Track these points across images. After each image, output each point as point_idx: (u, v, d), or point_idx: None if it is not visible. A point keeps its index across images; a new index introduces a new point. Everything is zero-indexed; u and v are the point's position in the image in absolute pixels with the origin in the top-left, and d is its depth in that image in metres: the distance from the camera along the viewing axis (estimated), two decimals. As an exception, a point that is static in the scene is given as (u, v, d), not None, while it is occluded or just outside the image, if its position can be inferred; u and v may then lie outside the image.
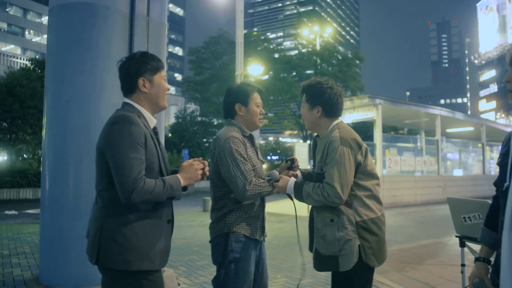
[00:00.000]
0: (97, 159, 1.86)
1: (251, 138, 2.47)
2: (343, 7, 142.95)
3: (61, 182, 3.98)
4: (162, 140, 4.21)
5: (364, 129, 32.36)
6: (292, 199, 2.42)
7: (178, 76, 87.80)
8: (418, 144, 19.48)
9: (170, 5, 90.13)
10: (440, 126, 17.78)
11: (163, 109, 2.13)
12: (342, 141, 2.23)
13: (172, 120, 41.79)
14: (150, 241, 1.84)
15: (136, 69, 1.95)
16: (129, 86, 1.97)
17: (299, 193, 2.28)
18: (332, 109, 2.38)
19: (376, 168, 14.22)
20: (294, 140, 46.83)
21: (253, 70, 16.21)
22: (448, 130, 21.34)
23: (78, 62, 4.02)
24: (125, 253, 1.77)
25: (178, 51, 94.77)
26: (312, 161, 2.61)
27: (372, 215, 2.24)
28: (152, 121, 1.99)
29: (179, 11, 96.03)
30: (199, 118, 37.53)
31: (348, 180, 2.18)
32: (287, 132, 51.95)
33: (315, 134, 2.56)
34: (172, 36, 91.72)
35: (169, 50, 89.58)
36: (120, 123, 1.80)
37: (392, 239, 7.69)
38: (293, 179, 2.37)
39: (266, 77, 31.23)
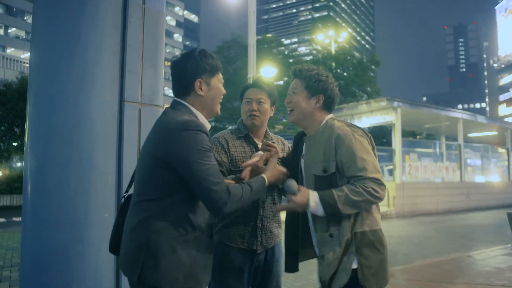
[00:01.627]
0: (150, 166, 1.67)
1: None
2: (358, 12, 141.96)
3: (44, 191, 3.50)
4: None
5: (381, 134, 31.59)
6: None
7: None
8: (438, 149, 18.73)
9: (185, 12, 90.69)
10: (462, 131, 17.02)
11: (216, 115, 1.93)
12: (354, 131, 1.93)
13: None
14: (197, 257, 1.69)
15: (194, 68, 1.77)
16: (184, 87, 1.80)
17: (330, 203, 1.78)
18: (333, 102, 2.08)
19: (396, 174, 13.72)
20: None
21: (266, 73, 15.73)
22: (470, 135, 20.54)
23: (65, 54, 3.55)
24: (174, 270, 1.62)
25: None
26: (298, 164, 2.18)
27: (375, 226, 1.89)
28: (207, 126, 1.79)
29: (193, 17, 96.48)
30: (212, 124, 37.21)
31: (376, 163, 1.88)
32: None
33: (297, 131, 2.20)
34: (187, 43, 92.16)
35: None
36: (192, 129, 1.64)
37: (416, 251, 7.10)
38: (313, 192, 1.85)
39: (281, 82, 30.80)
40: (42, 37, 3.65)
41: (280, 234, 2.36)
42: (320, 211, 1.81)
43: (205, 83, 1.79)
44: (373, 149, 1.95)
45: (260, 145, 2.34)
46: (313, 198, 1.82)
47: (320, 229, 1.91)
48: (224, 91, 1.89)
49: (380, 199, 1.79)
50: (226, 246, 2.24)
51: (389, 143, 20.06)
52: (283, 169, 1.98)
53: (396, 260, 6.27)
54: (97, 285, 3.22)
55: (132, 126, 3.53)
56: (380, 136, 31.33)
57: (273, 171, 1.89)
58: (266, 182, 1.82)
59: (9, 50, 44.38)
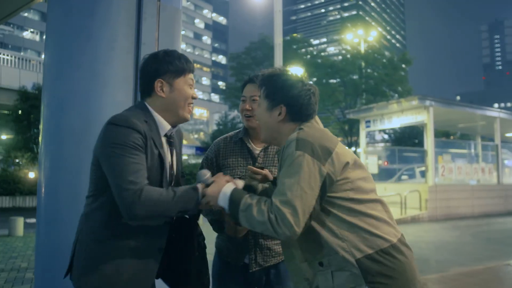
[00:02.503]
0: (91, 162, 1.66)
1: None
2: (388, 10, 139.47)
3: (56, 193, 3.41)
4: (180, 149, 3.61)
5: (412, 135, 30.77)
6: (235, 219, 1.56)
7: (222, 85, 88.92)
8: (473, 150, 18.00)
9: (213, 15, 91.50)
10: (500, 130, 16.28)
11: (184, 121, 1.79)
12: (299, 144, 1.49)
13: (215, 128, 41.95)
14: (124, 270, 1.57)
15: (154, 68, 1.69)
16: (145, 88, 1.73)
17: (235, 202, 1.50)
18: (301, 111, 1.65)
19: (429, 176, 13.22)
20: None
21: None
22: (508, 135, 19.64)
23: (76, 53, 3.45)
24: (92, 277, 1.55)
25: (222, 59, 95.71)
26: None
27: (383, 244, 1.49)
28: (164, 128, 1.70)
29: (222, 20, 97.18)
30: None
31: (307, 202, 1.43)
32: (331, 139, 50.53)
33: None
34: (216, 45, 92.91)
35: (213, 58, 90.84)
36: (116, 123, 1.55)
37: (450, 259, 6.71)
38: (230, 185, 1.58)
39: (310, 83, 30.39)
40: (55, 36, 3.58)
41: None
42: (224, 204, 1.54)
43: (167, 84, 1.68)
44: (329, 155, 1.52)
45: (258, 151, 2.09)
46: (225, 190, 1.55)
47: (305, 256, 1.56)
48: (191, 94, 1.73)
49: (280, 233, 1.40)
50: (221, 256, 2.10)
51: (421, 143, 19.44)
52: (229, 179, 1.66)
53: (428, 267, 5.93)
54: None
55: (147, 127, 3.38)
56: (411, 136, 30.52)
57: (217, 183, 1.58)
58: (199, 192, 1.56)
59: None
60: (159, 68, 1.68)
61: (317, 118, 1.71)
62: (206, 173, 1.63)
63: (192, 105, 1.77)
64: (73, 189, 3.35)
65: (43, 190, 3.47)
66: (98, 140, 1.61)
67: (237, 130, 2.20)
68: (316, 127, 1.64)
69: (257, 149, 2.09)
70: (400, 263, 1.49)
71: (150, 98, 1.71)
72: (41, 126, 3.57)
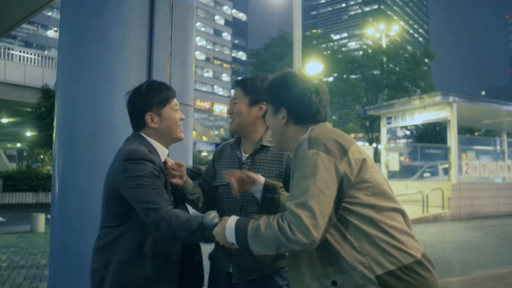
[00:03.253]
0: (109, 196, 1.78)
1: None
2: (410, 4, 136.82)
3: (70, 193, 3.41)
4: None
5: (435, 132, 30.14)
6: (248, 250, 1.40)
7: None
8: (498, 146, 17.48)
9: (233, 11, 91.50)
10: (527, 127, 15.77)
11: (179, 140, 1.98)
12: (312, 142, 1.37)
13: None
14: (151, 283, 1.74)
15: (142, 104, 1.83)
16: (137, 122, 1.87)
17: (242, 231, 1.37)
18: (301, 112, 1.56)
19: (452, 173, 12.89)
20: (360, 143, 45.16)
21: (311, 69, 15.32)
22: (535, 131, 19.02)
23: (87, 53, 3.42)
24: None
25: (242, 55, 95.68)
26: None
27: (407, 259, 1.33)
28: (163, 154, 1.89)
29: (242, 16, 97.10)
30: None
31: (326, 204, 1.27)
32: (352, 135, 50.22)
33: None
34: (236, 41, 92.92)
35: (233, 55, 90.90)
36: (133, 159, 1.70)
37: (474, 260, 6.50)
38: (234, 217, 1.45)
39: (331, 79, 30.13)
40: (68, 36, 3.56)
41: (280, 262, 1.85)
42: (232, 239, 1.41)
43: (156, 115, 1.83)
44: (345, 153, 1.39)
45: (245, 157, 1.98)
46: (230, 223, 1.43)
47: (316, 274, 1.39)
48: (178, 117, 1.88)
49: (298, 243, 1.24)
50: (211, 263, 2.03)
51: (444, 140, 19.01)
52: None
53: (451, 269, 5.76)
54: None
55: (160, 127, 3.34)
56: (434, 133, 29.91)
57: (222, 221, 1.53)
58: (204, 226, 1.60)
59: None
60: (146, 103, 1.82)
61: (327, 124, 1.60)
62: (211, 213, 1.61)
63: (181, 125, 1.93)
64: (85, 191, 3.35)
65: (56, 191, 3.48)
66: (116, 175, 1.72)
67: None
68: (329, 127, 1.54)
69: (244, 155, 1.99)
70: (425, 281, 1.34)
71: (145, 129, 1.85)
72: (54, 127, 3.57)
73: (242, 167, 1.93)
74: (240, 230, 1.38)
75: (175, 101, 1.89)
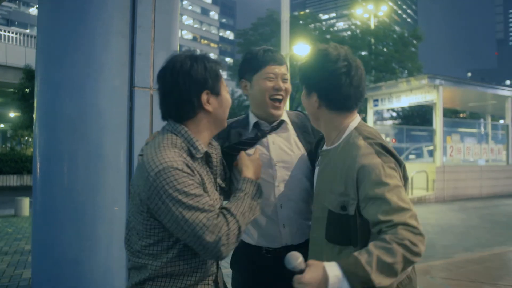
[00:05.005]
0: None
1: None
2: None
3: (50, 183, 3.33)
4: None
5: (422, 113, 30.37)
6: None
7: (230, 61, 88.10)
8: (482, 129, 17.71)
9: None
10: (511, 110, 15.96)
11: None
12: (385, 162, 1.35)
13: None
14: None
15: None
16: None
17: (359, 274, 1.18)
18: (332, 96, 1.48)
19: (437, 156, 13.04)
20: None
21: (299, 50, 15.20)
22: (519, 114, 19.26)
23: (70, 37, 3.30)
24: None
25: (229, 35, 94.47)
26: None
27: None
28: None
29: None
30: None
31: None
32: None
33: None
34: (223, 21, 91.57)
35: (220, 34, 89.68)
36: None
37: (456, 243, 6.63)
38: (330, 266, 1.22)
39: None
40: (47, 18, 3.44)
41: None
42: (344, 286, 1.20)
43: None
44: (405, 183, 1.42)
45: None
46: (333, 272, 1.20)
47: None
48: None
49: (419, 256, 1.20)
50: None
51: (429, 122, 19.19)
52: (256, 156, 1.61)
53: (434, 252, 5.86)
54: (107, 284, 3.04)
55: (144, 113, 3.26)
56: (420, 115, 30.13)
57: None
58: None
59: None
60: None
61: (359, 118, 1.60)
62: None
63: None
64: (68, 179, 3.28)
65: (37, 180, 3.40)
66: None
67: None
68: (370, 129, 1.54)
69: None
70: None
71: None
72: (34, 114, 3.47)
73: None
74: (355, 274, 1.18)
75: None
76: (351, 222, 1.36)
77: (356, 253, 1.21)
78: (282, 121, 1.87)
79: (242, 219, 1.35)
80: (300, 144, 1.86)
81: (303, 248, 1.59)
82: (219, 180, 1.57)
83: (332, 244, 1.43)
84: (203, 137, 1.45)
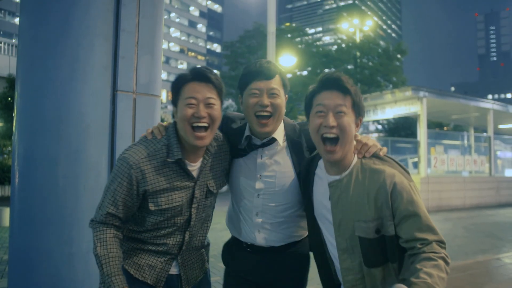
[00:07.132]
0: None
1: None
2: (384, 0, 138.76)
3: (30, 187, 3.26)
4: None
5: (406, 125, 30.73)
6: None
7: (217, 73, 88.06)
8: (466, 141, 17.98)
9: (209, 2, 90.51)
10: (493, 122, 16.25)
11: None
12: (409, 180, 1.55)
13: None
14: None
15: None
16: None
17: None
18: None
19: (421, 167, 13.16)
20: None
21: (285, 61, 15.32)
22: (501, 126, 19.64)
23: (50, 39, 3.26)
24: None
25: (217, 48, 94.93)
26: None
27: None
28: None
29: (217, 7, 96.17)
30: (236, 113, 36.92)
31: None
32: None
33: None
34: (211, 33, 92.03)
35: (208, 47, 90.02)
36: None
37: (440, 252, 6.64)
38: None
39: (305, 72, 30.29)
40: (29, 22, 3.40)
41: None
42: None
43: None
44: None
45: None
46: None
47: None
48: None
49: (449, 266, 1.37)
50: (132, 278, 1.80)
51: (414, 134, 19.41)
52: None
53: (418, 261, 5.84)
54: (87, 289, 2.97)
55: (126, 117, 3.22)
56: (405, 127, 30.50)
57: None
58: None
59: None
60: None
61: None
62: None
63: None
64: (48, 183, 3.21)
65: (16, 184, 3.32)
66: None
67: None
68: None
69: None
70: None
71: None
72: (14, 117, 3.40)
73: None
74: None
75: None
76: (387, 241, 1.47)
77: (417, 279, 1.27)
78: (274, 140, 1.87)
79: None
80: (289, 164, 1.87)
81: (283, 250, 1.89)
82: (210, 183, 1.80)
83: (374, 268, 1.51)
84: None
